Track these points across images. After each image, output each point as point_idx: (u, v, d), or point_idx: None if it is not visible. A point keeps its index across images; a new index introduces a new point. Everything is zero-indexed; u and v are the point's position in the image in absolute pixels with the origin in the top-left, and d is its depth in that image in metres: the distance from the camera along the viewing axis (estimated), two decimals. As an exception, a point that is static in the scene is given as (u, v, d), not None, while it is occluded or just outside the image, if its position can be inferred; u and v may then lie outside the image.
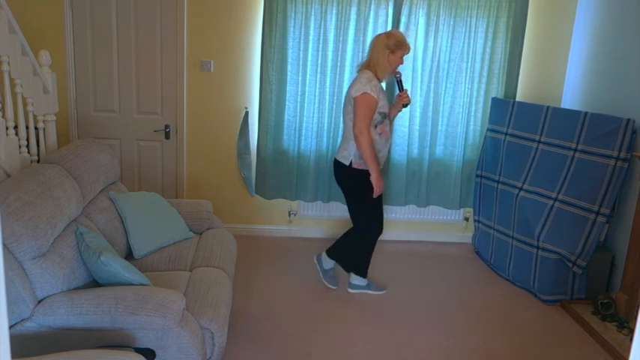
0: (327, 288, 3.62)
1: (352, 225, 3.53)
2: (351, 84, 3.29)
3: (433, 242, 4.62)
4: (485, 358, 2.96)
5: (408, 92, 3.55)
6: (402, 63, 3.34)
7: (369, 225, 3.43)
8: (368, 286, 3.62)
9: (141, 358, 1.94)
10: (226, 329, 2.54)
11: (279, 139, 4.28)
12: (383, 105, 3.27)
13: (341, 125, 4.23)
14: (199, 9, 4.15)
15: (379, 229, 3.46)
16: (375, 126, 3.26)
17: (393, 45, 3.25)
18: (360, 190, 3.32)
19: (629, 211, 3.56)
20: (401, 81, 3.43)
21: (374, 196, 3.30)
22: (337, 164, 3.40)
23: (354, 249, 3.54)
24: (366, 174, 3.27)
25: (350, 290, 3.60)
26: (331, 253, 3.62)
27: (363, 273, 3.59)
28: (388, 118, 3.36)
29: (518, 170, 3.93)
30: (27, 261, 2.22)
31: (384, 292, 3.64)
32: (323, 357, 2.88)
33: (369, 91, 3.17)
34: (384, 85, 3.79)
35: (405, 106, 3.45)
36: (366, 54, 4.11)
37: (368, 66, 3.31)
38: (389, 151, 4.31)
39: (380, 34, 3.35)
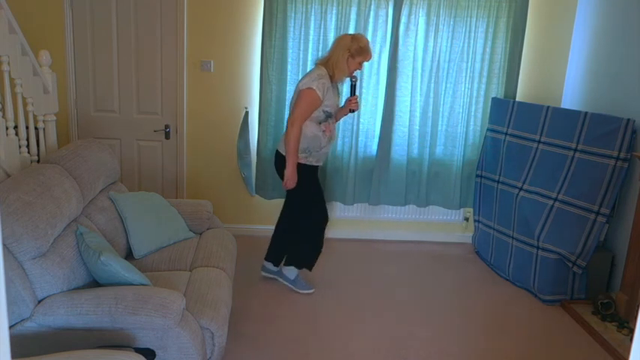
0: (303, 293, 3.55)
1: (284, 220, 3.57)
2: (304, 75, 3.32)
3: (433, 242, 4.62)
4: (485, 358, 2.96)
5: (359, 99, 3.64)
6: (360, 69, 3.30)
7: (312, 215, 3.41)
8: (295, 282, 3.56)
9: (141, 358, 1.94)
10: (226, 329, 2.54)
11: (279, 139, 4.27)
12: (329, 105, 3.23)
13: (341, 124, 4.23)
14: (199, 9, 4.15)
15: (325, 217, 3.45)
16: (320, 122, 3.25)
17: (354, 50, 3.19)
18: (300, 183, 3.28)
19: (629, 211, 3.56)
20: (355, 86, 3.39)
21: (283, 187, 3.32)
22: (278, 155, 3.37)
23: (297, 240, 3.51)
24: (304, 167, 3.29)
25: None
26: (269, 256, 3.65)
27: (301, 264, 3.53)
28: (334, 118, 3.34)
29: (518, 170, 3.93)
30: (27, 261, 2.22)
31: (312, 291, 3.56)
32: (322, 357, 2.88)
33: (314, 88, 3.14)
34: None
35: (353, 111, 3.43)
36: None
37: (326, 63, 3.25)
38: (388, 152, 4.31)
39: (345, 35, 3.29)
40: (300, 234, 3.49)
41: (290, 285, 3.58)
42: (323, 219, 3.46)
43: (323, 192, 3.51)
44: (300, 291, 3.54)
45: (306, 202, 3.42)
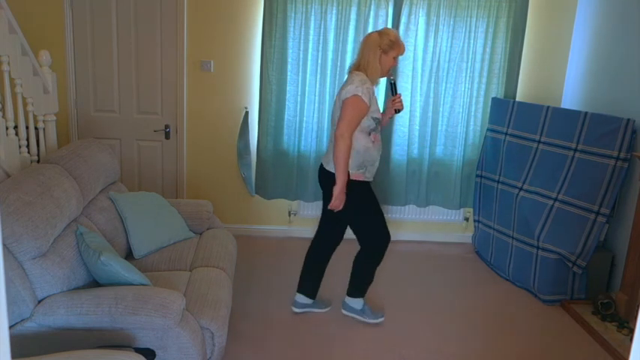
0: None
1: (322, 245, 3.25)
2: (342, 85, 2.98)
3: (433, 242, 4.62)
4: (485, 358, 2.96)
5: (402, 97, 3.27)
6: (395, 64, 3.03)
7: (376, 236, 3.08)
8: (364, 311, 3.25)
9: (141, 358, 1.94)
10: (226, 329, 2.54)
11: (279, 139, 4.28)
12: (375, 110, 2.95)
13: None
14: (199, 9, 4.15)
15: (387, 237, 3.11)
16: (369, 133, 2.96)
17: (386, 45, 2.93)
18: (353, 202, 2.96)
19: (629, 211, 3.56)
20: (395, 84, 3.13)
21: (329, 207, 2.94)
22: (324, 173, 3.03)
23: (367, 269, 3.19)
24: (362, 185, 2.98)
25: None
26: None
27: (363, 292, 3.24)
28: (380, 124, 3.07)
29: (518, 170, 3.93)
30: (27, 261, 2.22)
31: (383, 319, 3.25)
32: (322, 357, 2.88)
33: (360, 94, 2.84)
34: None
35: (398, 112, 3.14)
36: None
37: (358, 67, 2.99)
38: (388, 152, 4.31)
39: (372, 33, 3.02)
40: (366, 259, 3.15)
41: (357, 316, 3.25)
42: (388, 239, 3.12)
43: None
44: (370, 321, 3.23)
45: (369, 222, 3.06)
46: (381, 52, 2.94)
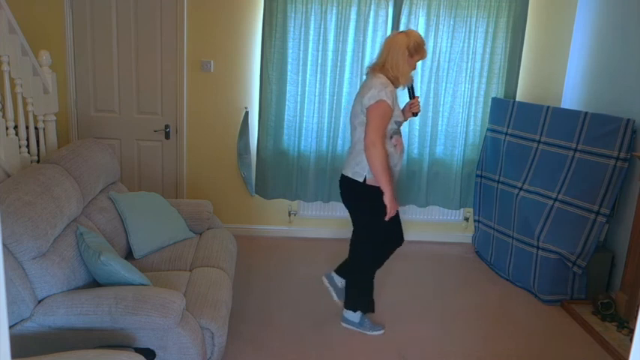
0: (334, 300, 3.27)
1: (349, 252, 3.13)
2: (363, 89, 2.86)
3: (433, 242, 4.62)
4: (485, 358, 2.96)
5: (420, 100, 3.19)
6: (415, 69, 2.95)
7: (368, 247, 3.05)
8: (362, 324, 3.14)
9: (141, 358, 1.94)
10: (226, 329, 2.54)
11: (279, 139, 4.28)
12: (398, 113, 2.88)
13: (341, 125, 4.23)
14: (199, 9, 4.15)
15: (397, 241, 3.12)
16: (391, 137, 2.87)
17: (413, 47, 2.83)
18: (373, 211, 2.89)
19: (629, 211, 3.56)
20: (413, 87, 3.04)
21: (386, 219, 2.87)
22: (347, 181, 2.93)
23: (355, 284, 3.12)
24: (374, 190, 2.85)
25: (344, 324, 3.19)
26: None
27: (363, 307, 3.15)
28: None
29: (518, 170, 3.93)
30: (27, 261, 2.22)
31: (382, 332, 3.15)
32: (322, 357, 2.88)
33: (384, 98, 2.76)
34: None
35: (415, 115, 3.07)
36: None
37: (382, 69, 2.86)
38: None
39: (398, 33, 2.89)
40: (357, 273, 3.10)
41: (355, 328, 3.16)
42: (399, 244, 3.13)
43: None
44: (369, 333, 3.13)
45: (387, 226, 2.98)
46: (408, 55, 2.84)
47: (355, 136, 2.90)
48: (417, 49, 2.85)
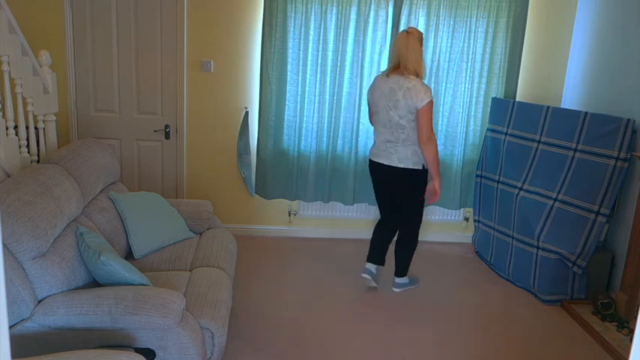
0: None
1: (398, 227, 3.58)
2: (409, 91, 3.17)
3: (433, 242, 4.62)
4: (485, 358, 2.96)
5: None
6: None
7: (419, 219, 3.55)
8: (411, 282, 3.69)
9: (141, 358, 1.94)
10: (226, 329, 2.54)
11: (279, 139, 4.28)
12: None
13: (341, 125, 4.24)
14: (199, 9, 4.15)
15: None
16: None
17: (421, 41, 3.27)
18: (421, 189, 3.42)
19: (629, 211, 3.56)
20: None
21: (435, 201, 3.45)
22: (404, 172, 3.34)
23: (411, 251, 3.61)
24: (419, 172, 3.36)
25: (396, 290, 3.65)
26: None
27: (407, 270, 3.68)
28: None
29: (518, 170, 3.93)
30: (27, 261, 2.22)
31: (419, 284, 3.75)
32: (322, 357, 2.88)
33: (432, 98, 3.19)
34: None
35: None
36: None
37: (406, 68, 3.22)
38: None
39: (408, 33, 3.23)
40: (416, 238, 3.59)
41: (410, 287, 3.70)
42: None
43: None
44: (416, 286, 3.73)
45: (421, 205, 3.51)
46: (422, 49, 3.27)
47: (404, 133, 3.27)
48: (422, 41, 3.27)
